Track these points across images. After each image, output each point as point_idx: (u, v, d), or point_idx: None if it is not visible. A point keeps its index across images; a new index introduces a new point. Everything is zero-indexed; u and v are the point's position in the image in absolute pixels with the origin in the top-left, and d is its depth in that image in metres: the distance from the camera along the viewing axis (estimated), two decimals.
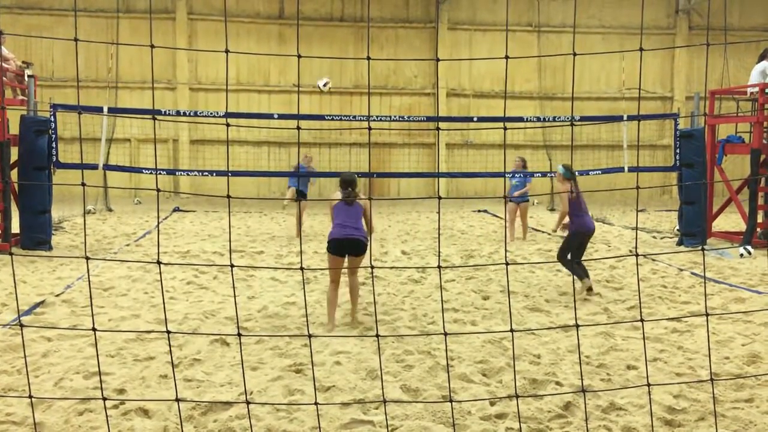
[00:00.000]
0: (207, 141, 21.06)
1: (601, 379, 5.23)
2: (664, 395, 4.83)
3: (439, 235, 3.20)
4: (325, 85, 13.81)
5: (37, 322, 6.61)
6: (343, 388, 4.95)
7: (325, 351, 5.81)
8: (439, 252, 3.82)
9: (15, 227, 11.03)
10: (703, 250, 3.45)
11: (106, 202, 18.03)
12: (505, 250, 3.65)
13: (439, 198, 2.71)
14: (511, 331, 3.17)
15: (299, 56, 2.84)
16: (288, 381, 5.10)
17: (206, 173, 13.35)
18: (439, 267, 2.94)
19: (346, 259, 6.70)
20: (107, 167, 12.83)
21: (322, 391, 4.90)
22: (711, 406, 4.65)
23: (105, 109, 12.58)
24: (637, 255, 2.96)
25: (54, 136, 11.28)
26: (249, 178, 20.20)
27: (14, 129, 11.26)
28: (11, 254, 3.12)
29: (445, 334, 2.98)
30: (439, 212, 2.88)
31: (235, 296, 3.75)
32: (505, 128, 3.21)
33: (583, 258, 8.33)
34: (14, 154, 11.06)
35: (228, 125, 2.88)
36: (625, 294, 8.18)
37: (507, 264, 2.85)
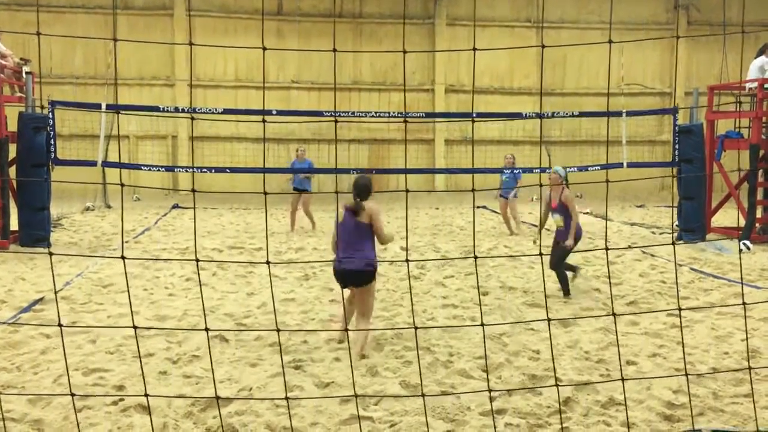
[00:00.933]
0: (206, 137, 21.03)
1: (601, 374, 5.23)
2: (664, 390, 4.83)
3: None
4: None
5: (35, 320, 6.61)
6: (342, 384, 4.95)
7: (324, 347, 5.80)
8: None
9: (14, 224, 11.03)
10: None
11: (104, 199, 18.01)
12: (474, 248, 3.64)
13: (473, 191, 2.70)
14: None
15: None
16: (287, 377, 5.10)
17: (205, 170, 13.33)
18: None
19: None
20: (106, 164, 12.81)
21: (321, 387, 4.91)
22: (710, 401, 4.66)
23: (103, 106, 12.57)
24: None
25: (52, 133, 11.26)
26: (248, 175, 20.16)
27: (12, 126, 11.23)
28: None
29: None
30: (474, 207, 2.88)
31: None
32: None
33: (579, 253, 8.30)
34: (12, 151, 11.05)
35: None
36: (624, 289, 8.18)
37: (476, 257, 2.83)
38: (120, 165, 15.64)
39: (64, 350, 3.45)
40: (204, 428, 4.26)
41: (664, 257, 10.23)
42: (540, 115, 15.33)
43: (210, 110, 13.37)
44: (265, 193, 3.03)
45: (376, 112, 15.44)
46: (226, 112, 13.21)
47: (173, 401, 4.53)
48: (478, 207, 18.83)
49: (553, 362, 3.90)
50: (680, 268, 9.48)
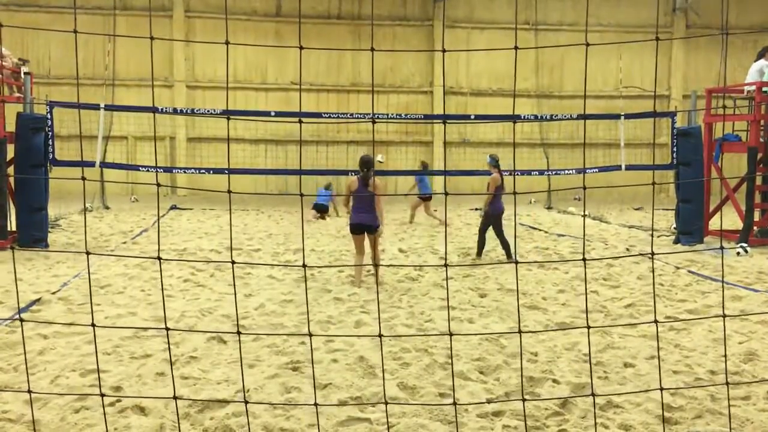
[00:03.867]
0: (204, 139, 21.04)
1: (599, 377, 5.23)
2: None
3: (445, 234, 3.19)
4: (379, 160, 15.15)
5: (32, 320, 6.59)
6: (340, 385, 4.95)
7: (322, 348, 5.80)
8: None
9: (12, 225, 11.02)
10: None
11: (102, 199, 18.00)
12: (446, 248, 3.64)
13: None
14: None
15: (300, 47, 2.83)
16: (285, 378, 5.09)
17: (203, 171, 13.33)
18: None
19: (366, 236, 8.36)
20: (104, 165, 12.80)
21: (319, 389, 4.90)
22: (708, 403, 4.66)
23: (102, 106, 12.55)
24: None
25: (50, 133, 11.25)
26: (247, 176, 20.18)
27: (10, 126, 11.22)
28: (12, 249, 3.11)
29: (451, 334, 2.97)
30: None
31: (235, 292, 3.74)
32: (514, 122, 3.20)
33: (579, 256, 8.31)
34: (11, 151, 11.03)
35: (229, 118, 2.87)
36: (622, 292, 8.18)
37: (445, 265, 2.82)
38: (118, 166, 15.64)
39: (96, 350, 3.43)
40: (201, 429, 4.25)
41: (661, 260, 10.23)
42: (537, 118, 15.34)
43: (208, 111, 13.36)
44: (301, 195, 3.01)
45: (375, 114, 15.43)
46: (224, 113, 13.19)
47: (170, 402, 4.51)
48: (476, 209, 18.83)
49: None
50: (678, 270, 9.48)
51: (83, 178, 2.83)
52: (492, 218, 10.11)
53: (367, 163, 8.16)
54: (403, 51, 22.01)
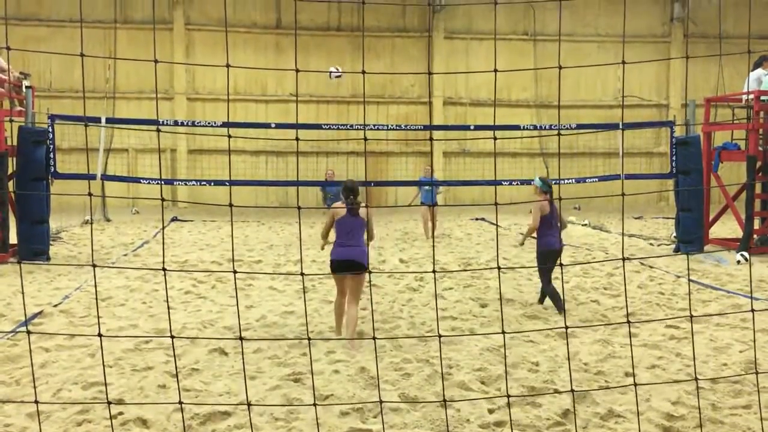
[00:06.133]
0: (205, 150, 21.09)
1: (600, 386, 5.23)
2: (662, 402, 4.83)
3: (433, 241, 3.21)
4: (335, 75, 13.54)
5: (34, 333, 6.59)
6: (341, 396, 4.95)
7: (323, 360, 5.81)
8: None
9: (13, 238, 11.03)
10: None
11: (104, 212, 18.03)
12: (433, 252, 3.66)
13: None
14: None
15: (297, 70, 2.86)
16: (286, 390, 5.10)
17: (204, 182, 13.37)
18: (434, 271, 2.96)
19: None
20: (105, 177, 12.83)
21: (320, 400, 4.90)
22: (709, 412, 4.66)
23: (103, 120, 12.60)
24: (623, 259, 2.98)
25: (52, 146, 11.29)
26: (247, 188, 20.20)
27: (12, 140, 11.26)
28: (20, 263, 3.13)
29: (439, 336, 2.99)
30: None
31: (237, 303, 3.76)
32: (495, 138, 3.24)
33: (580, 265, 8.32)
34: (12, 165, 11.07)
35: (229, 136, 2.90)
36: (622, 301, 8.19)
37: (435, 272, 2.85)
38: (119, 178, 15.68)
39: (103, 359, 3.45)
40: None
41: (662, 269, 10.25)
42: (536, 127, 15.38)
43: (209, 123, 13.40)
44: (299, 208, 3.04)
45: (374, 125, 15.50)
46: (225, 125, 13.24)
47: (172, 415, 4.52)
48: (476, 219, 18.86)
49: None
50: (678, 279, 9.49)
51: (90, 194, 2.86)
52: (540, 256, 7.83)
53: (352, 191, 6.67)
54: (397, 72, 22.08)
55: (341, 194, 6.75)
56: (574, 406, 4.56)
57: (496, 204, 3.18)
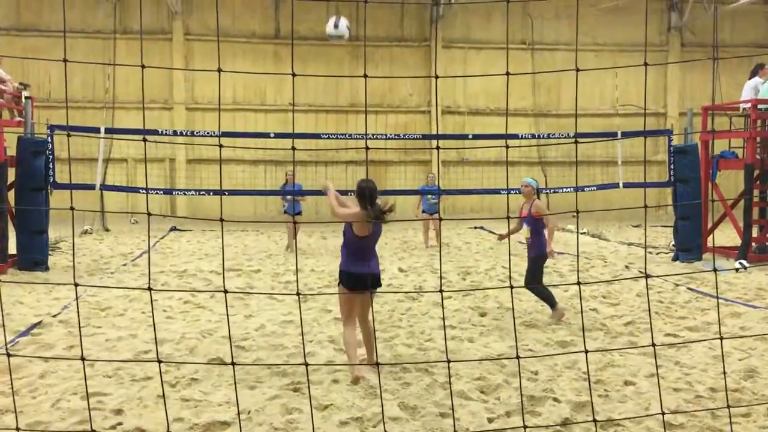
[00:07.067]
0: (204, 160, 21.11)
1: (599, 395, 5.23)
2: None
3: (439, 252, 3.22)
4: (336, 28, 10.95)
5: (33, 344, 6.60)
6: (341, 406, 4.95)
7: (322, 369, 5.80)
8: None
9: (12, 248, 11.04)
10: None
11: (102, 221, 18.04)
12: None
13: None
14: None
15: (293, 74, 2.88)
16: (286, 400, 5.09)
17: (203, 192, 13.39)
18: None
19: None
20: (104, 187, 12.85)
21: (320, 410, 4.90)
22: (708, 421, 4.66)
23: (102, 130, 12.63)
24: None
25: (51, 157, 11.31)
26: (246, 197, 20.22)
27: (11, 150, 11.29)
28: (8, 273, 3.13)
29: (448, 361, 3.00)
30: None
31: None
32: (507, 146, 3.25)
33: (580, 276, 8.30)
34: (11, 175, 11.09)
35: (221, 145, 2.91)
36: (621, 309, 8.20)
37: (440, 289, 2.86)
38: (118, 188, 15.70)
39: (86, 380, 3.45)
40: None
41: (661, 277, 10.26)
42: (534, 137, 15.42)
43: (208, 133, 13.45)
44: (294, 222, 3.05)
45: (373, 134, 15.54)
46: (223, 135, 13.26)
47: (172, 425, 4.52)
48: (475, 228, 18.87)
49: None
50: (677, 287, 9.50)
51: (101, 208, 2.87)
52: (538, 260, 7.72)
53: (371, 196, 5.44)
54: (398, 76, 22.16)
55: (357, 200, 5.50)
56: (591, 410, 4.56)
57: (508, 217, 3.18)
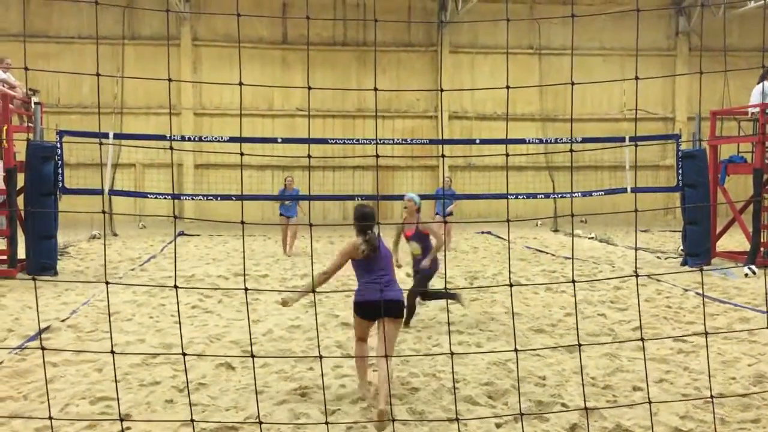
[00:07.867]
0: (211, 165, 21.20)
1: (607, 400, 5.21)
2: (671, 416, 4.82)
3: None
4: None
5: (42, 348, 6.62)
6: (348, 411, 4.95)
7: (330, 374, 5.80)
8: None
9: (21, 253, 11.09)
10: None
11: (111, 226, 18.12)
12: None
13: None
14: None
15: (309, 87, 2.89)
16: (293, 404, 5.10)
17: (211, 197, 13.42)
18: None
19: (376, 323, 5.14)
20: (113, 192, 12.90)
21: (327, 414, 4.90)
22: (717, 426, 4.64)
23: (111, 135, 12.69)
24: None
25: (60, 162, 11.37)
26: (253, 202, 20.27)
27: (21, 156, 11.35)
28: (27, 277, 3.16)
29: (452, 353, 2.99)
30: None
31: (249, 317, 3.77)
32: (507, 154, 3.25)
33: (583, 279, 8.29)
34: (21, 180, 11.15)
35: (242, 153, 2.93)
36: (629, 314, 8.17)
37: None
38: (126, 193, 15.76)
39: (116, 374, 3.46)
40: None
41: (669, 282, 10.22)
42: (542, 142, 15.40)
43: (216, 138, 13.48)
44: (311, 225, 3.06)
45: (380, 139, 15.56)
46: (232, 140, 13.30)
47: (180, 429, 4.53)
48: (482, 232, 18.84)
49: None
50: (686, 292, 9.46)
51: (104, 212, 2.90)
52: (428, 278, 7.66)
53: (369, 220, 5.20)
54: (403, 90, 22.18)
55: (355, 227, 5.23)
56: (588, 420, 4.55)
57: (508, 220, 3.18)
